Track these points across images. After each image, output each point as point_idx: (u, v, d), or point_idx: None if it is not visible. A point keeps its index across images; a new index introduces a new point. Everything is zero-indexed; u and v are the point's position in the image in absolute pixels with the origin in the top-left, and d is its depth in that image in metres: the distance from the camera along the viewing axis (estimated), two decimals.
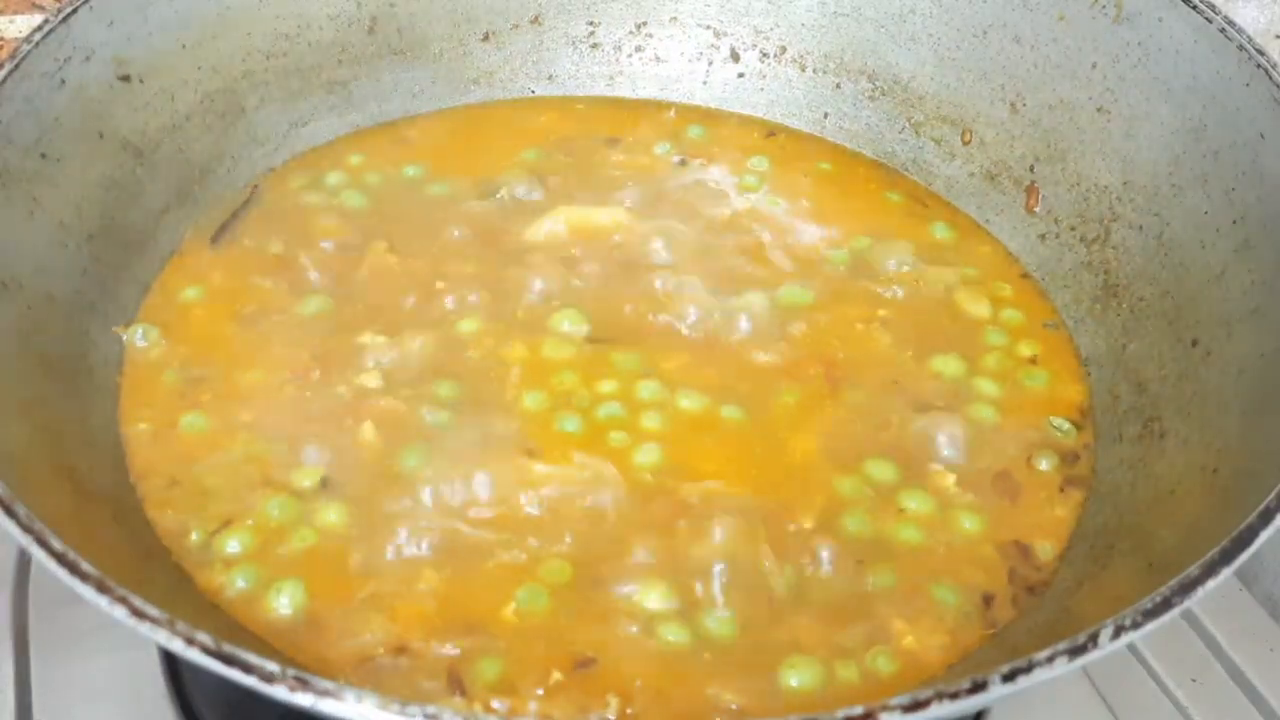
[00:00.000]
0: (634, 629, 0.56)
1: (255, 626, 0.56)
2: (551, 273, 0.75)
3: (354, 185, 0.81)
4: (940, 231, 0.82)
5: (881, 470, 0.65)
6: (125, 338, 0.68)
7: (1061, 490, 0.65)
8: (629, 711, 0.53)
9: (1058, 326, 0.76)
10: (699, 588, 0.58)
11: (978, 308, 0.76)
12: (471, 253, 0.76)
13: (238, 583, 0.57)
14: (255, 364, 0.68)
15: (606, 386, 0.68)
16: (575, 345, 0.70)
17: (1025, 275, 0.79)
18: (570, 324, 0.71)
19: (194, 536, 0.59)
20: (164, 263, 0.74)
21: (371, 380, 0.67)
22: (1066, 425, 0.69)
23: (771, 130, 0.90)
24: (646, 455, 0.64)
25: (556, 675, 0.54)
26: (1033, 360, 0.73)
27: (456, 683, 0.53)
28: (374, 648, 0.55)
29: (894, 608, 0.58)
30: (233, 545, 0.59)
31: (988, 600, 0.60)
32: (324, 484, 0.62)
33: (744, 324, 0.73)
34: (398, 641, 0.55)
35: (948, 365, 0.71)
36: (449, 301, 0.72)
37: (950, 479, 0.65)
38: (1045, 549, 0.62)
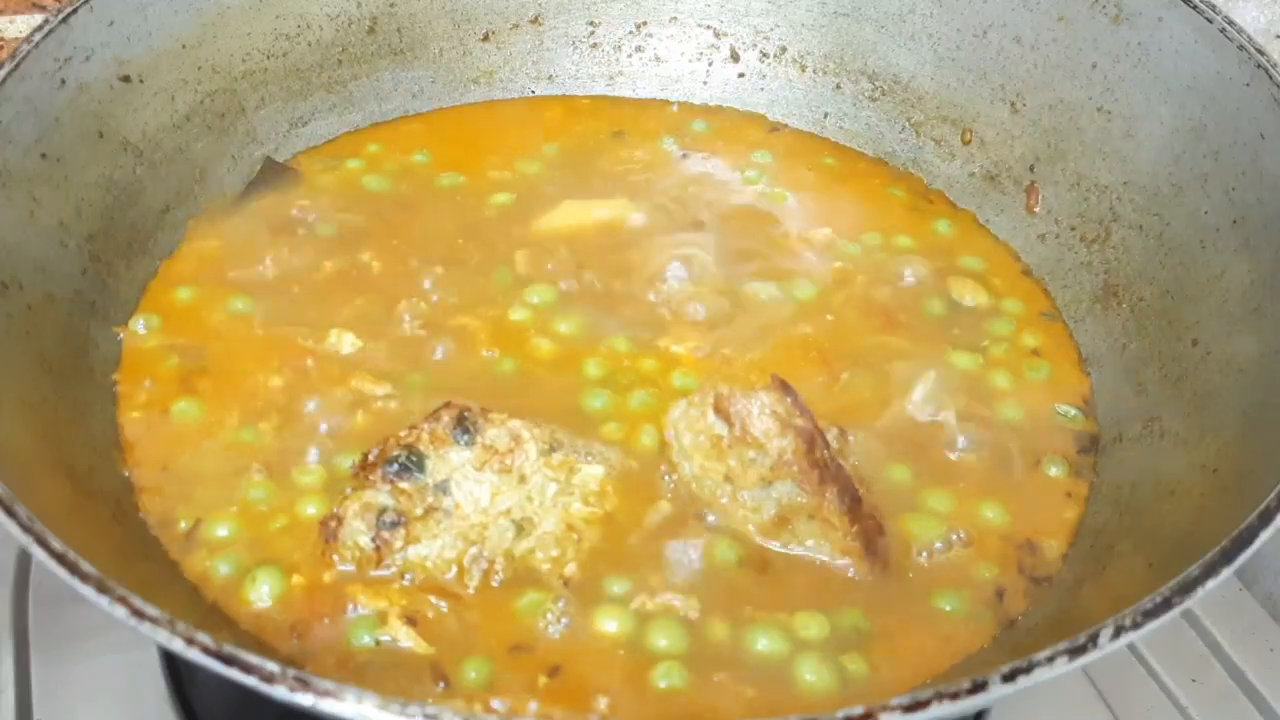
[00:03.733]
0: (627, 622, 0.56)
1: (238, 613, 0.56)
2: (559, 263, 0.75)
3: (367, 175, 0.82)
4: (943, 227, 0.82)
5: (887, 462, 0.65)
6: (126, 329, 0.69)
7: (1069, 477, 0.66)
8: (620, 714, 0.53)
9: (1055, 317, 0.76)
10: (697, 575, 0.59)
11: (980, 301, 0.76)
12: (476, 245, 0.77)
13: (221, 569, 0.57)
14: (250, 353, 0.68)
15: (615, 375, 0.68)
16: (583, 333, 0.71)
17: (1026, 272, 0.80)
18: (576, 311, 0.72)
19: (181, 524, 0.59)
20: (164, 262, 0.74)
21: (365, 374, 0.67)
22: (1074, 411, 0.69)
23: (774, 126, 0.90)
24: (648, 440, 0.64)
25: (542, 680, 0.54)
26: (1036, 352, 0.73)
27: (440, 674, 0.53)
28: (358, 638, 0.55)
29: (898, 604, 0.58)
30: (221, 531, 0.59)
31: (1000, 594, 0.60)
32: (315, 470, 0.62)
33: (751, 315, 0.73)
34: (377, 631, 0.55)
35: (954, 358, 0.72)
36: (447, 293, 0.73)
37: (955, 472, 0.65)
38: (1051, 546, 0.62)
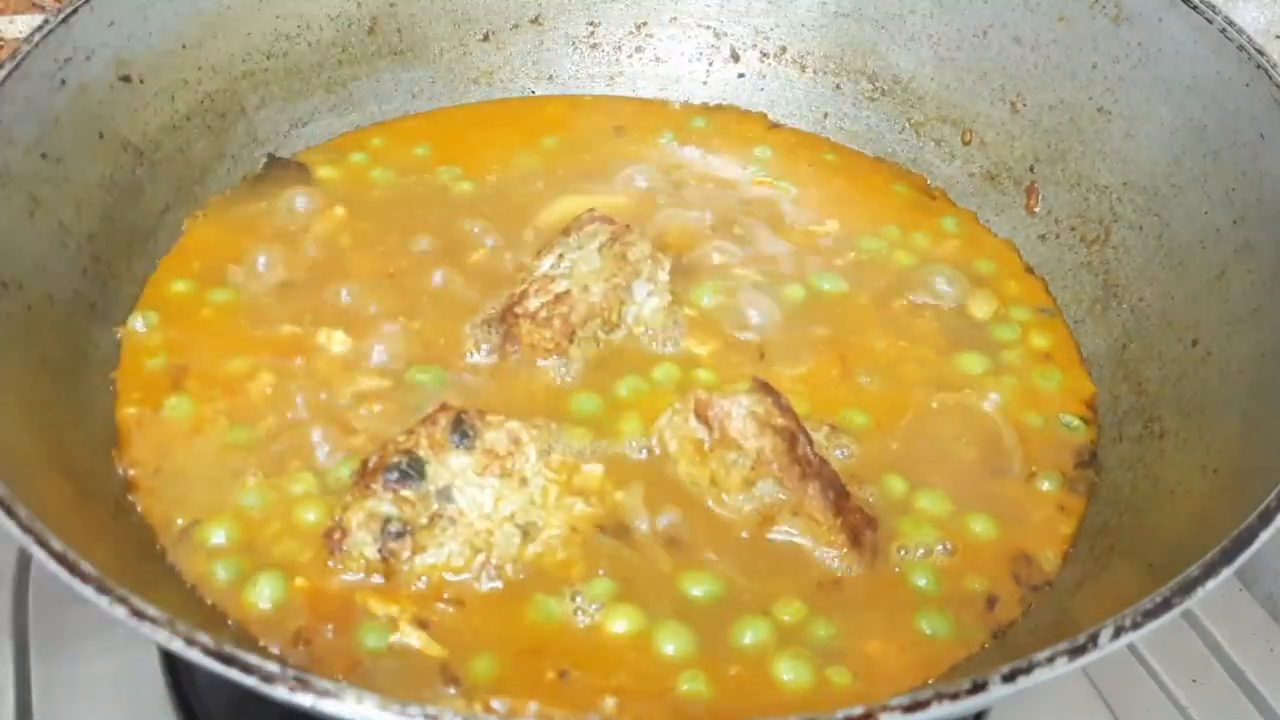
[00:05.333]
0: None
1: (239, 614, 0.56)
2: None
3: (369, 172, 0.82)
4: (946, 227, 0.82)
5: (885, 464, 0.65)
6: (125, 329, 0.69)
7: (1064, 490, 0.66)
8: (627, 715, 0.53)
9: (1054, 313, 0.76)
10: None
11: (987, 304, 0.76)
12: (476, 241, 0.77)
13: (220, 572, 0.57)
14: (246, 352, 0.68)
15: (619, 372, 0.68)
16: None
17: (1029, 270, 0.80)
18: None
19: (178, 522, 0.59)
20: (164, 260, 0.74)
21: (359, 373, 0.67)
22: (1075, 422, 0.69)
23: (774, 125, 0.90)
24: (637, 441, 0.64)
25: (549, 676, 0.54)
26: (1043, 358, 0.73)
27: (450, 677, 0.53)
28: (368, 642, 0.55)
29: (891, 606, 0.58)
30: (219, 533, 0.59)
31: (991, 602, 0.60)
32: (310, 470, 0.62)
33: (754, 313, 0.73)
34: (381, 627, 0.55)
35: (960, 360, 0.72)
36: (446, 292, 0.73)
37: (955, 476, 0.65)
38: (1047, 557, 0.62)
